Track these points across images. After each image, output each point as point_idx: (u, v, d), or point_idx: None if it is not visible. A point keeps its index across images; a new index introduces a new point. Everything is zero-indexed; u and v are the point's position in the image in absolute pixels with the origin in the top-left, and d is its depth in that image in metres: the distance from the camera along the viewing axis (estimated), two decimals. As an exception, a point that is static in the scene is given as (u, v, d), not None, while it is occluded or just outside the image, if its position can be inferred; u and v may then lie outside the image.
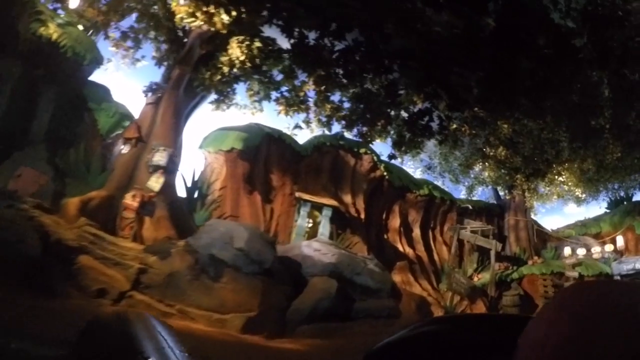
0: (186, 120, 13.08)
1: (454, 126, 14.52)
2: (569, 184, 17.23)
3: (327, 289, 9.28)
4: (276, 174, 14.54)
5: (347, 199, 14.92)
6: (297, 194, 13.78)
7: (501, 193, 17.87)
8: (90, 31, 12.69)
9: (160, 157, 10.88)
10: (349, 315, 9.81)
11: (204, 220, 11.57)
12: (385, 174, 15.55)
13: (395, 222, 15.88)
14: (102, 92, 12.91)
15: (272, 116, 20.17)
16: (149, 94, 11.99)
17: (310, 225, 13.53)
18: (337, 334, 8.85)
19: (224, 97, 13.66)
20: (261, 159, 14.35)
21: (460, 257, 15.74)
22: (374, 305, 10.56)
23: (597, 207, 18.89)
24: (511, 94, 13.65)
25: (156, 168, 10.83)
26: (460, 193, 18.43)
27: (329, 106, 14.05)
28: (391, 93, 14.18)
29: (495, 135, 14.73)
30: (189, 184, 13.46)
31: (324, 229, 13.26)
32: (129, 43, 13.68)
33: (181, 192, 13.04)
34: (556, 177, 16.68)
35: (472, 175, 17.51)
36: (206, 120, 16.59)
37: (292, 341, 8.23)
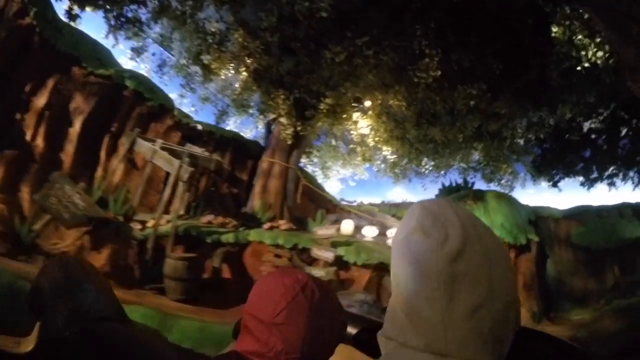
0: None
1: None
2: (376, 138, 10.99)
3: None
4: None
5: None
6: None
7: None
8: None
9: None
10: None
11: None
12: (34, 23, 9.28)
13: (39, 101, 9.28)
14: None
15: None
16: None
17: None
18: None
19: None
20: None
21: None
22: None
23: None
24: None
25: None
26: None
27: None
28: None
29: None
30: None
31: None
32: None
33: None
34: (349, 112, 10.50)
35: (220, 91, 11.19)
36: None
37: None
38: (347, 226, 9.54)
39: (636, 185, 13.16)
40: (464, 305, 0.62)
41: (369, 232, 9.69)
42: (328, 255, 8.48)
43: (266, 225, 9.19)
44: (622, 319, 9.58)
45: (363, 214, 10.49)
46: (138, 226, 8.67)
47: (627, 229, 11.27)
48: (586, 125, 12.93)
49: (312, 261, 8.65)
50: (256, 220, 9.50)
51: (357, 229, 9.73)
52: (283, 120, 9.76)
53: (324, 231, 9.11)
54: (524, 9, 9.26)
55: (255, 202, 10.04)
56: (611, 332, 9.35)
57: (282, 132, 9.99)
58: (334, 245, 8.84)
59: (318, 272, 8.26)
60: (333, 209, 11.06)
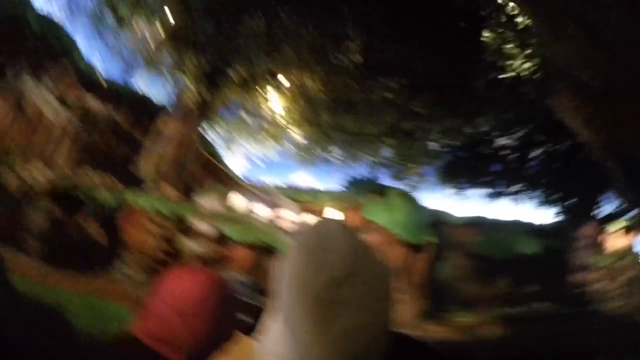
0: None
1: None
2: (288, 119, 10.60)
3: None
4: None
5: None
6: None
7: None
8: None
9: None
10: None
11: None
12: None
13: None
14: None
15: None
16: None
17: None
18: None
19: None
20: None
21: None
22: None
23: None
24: None
25: None
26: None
27: None
28: None
29: None
30: None
31: None
32: None
33: None
34: (263, 87, 10.04)
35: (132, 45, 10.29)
36: None
37: None
38: (237, 202, 9.09)
39: (540, 205, 13.67)
40: (343, 327, 0.63)
41: (261, 211, 9.30)
42: (209, 229, 7.99)
43: (152, 191, 8.54)
44: (507, 327, 9.77)
45: (259, 192, 10.07)
46: (13, 178, 7.74)
47: (523, 244, 11.64)
48: (501, 141, 13.20)
49: (193, 234, 8.12)
50: (143, 185, 8.81)
51: (250, 206, 9.30)
52: (190, 84, 9.11)
53: (209, 203, 8.59)
54: (460, 9, 9.06)
55: (146, 166, 9.33)
56: (494, 339, 9.51)
57: (187, 96, 9.34)
58: (222, 220, 8.36)
59: (195, 245, 7.77)
60: (230, 183, 10.54)
